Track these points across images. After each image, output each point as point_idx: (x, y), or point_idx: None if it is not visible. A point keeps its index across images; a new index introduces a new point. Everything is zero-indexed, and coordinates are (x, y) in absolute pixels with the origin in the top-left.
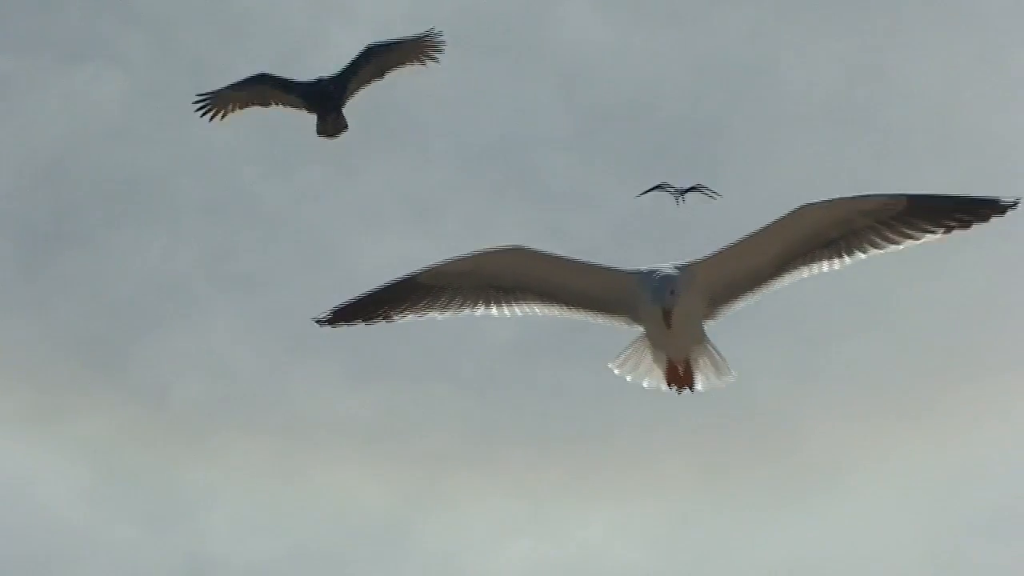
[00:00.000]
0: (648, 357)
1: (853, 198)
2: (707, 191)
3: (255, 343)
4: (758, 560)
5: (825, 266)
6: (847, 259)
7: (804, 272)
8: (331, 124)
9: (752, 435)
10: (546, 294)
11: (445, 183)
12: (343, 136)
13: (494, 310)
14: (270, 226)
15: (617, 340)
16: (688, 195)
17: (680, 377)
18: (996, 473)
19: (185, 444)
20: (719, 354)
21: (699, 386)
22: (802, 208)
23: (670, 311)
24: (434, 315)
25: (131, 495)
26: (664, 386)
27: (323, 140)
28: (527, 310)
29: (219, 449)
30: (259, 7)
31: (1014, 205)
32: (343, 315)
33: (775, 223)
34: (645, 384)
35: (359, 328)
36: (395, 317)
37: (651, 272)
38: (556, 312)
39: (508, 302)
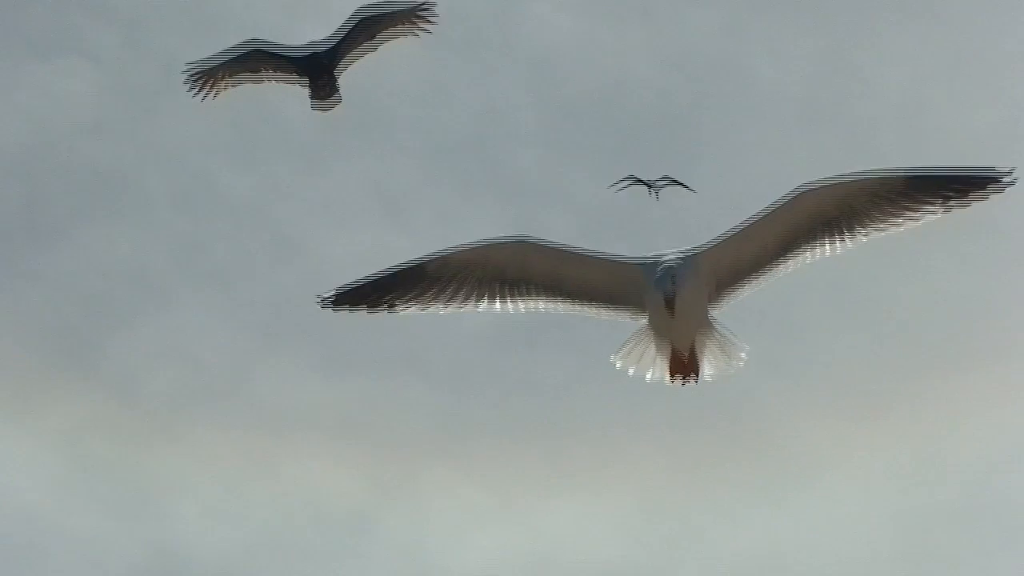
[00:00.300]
0: (651, 348)
1: (851, 177)
2: (680, 185)
3: (225, 335)
4: (730, 553)
5: (828, 249)
6: (849, 241)
7: (808, 256)
8: (324, 95)
9: (725, 428)
10: (551, 287)
11: (414, 177)
12: (336, 109)
13: (498, 305)
14: (240, 219)
15: (591, 333)
16: (662, 188)
17: (684, 366)
18: (968, 469)
19: (154, 435)
20: (727, 335)
21: (706, 374)
22: (801, 189)
23: (673, 299)
24: (437, 308)
25: (100, 486)
26: (667, 378)
27: (317, 111)
28: (531, 305)
29: (188, 440)
30: (232, 1)
31: (1013, 181)
32: (348, 298)
33: (775, 206)
34: (648, 377)
35: (360, 315)
36: (399, 307)
37: (655, 261)
38: (561, 307)
39: (513, 296)
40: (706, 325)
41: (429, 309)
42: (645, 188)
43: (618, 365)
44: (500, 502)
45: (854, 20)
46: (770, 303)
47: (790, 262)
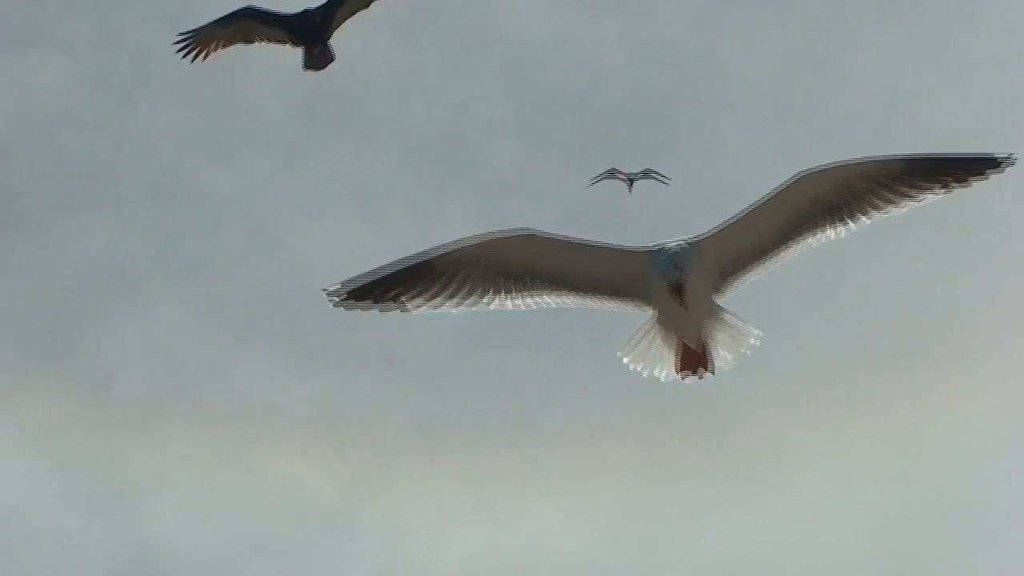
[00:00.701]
0: (659, 343)
1: (850, 162)
2: (657, 176)
3: (201, 330)
4: (705, 550)
5: (831, 233)
6: (851, 224)
7: (811, 241)
8: (318, 57)
9: (702, 427)
10: (558, 280)
11: (390, 171)
12: (329, 68)
13: (508, 302)
14: (216, 214)
15: (568, 330)
16: (639, 182)
17: (695, 359)
18: (942, 465)
19: (130, 432)
20: (735, 321)
21: (718, 364)
22: (800, 175)
23: (678, 286)
24: (449, 308)
25: (75, 482)
26: (677, 374)
27: (310, 73)
28: (540, 301)
29: (164, 437)
30: None
31: (1012, 162)
32: (356, 294)
33: (775, 192)
34: (658, 374)
35: (370, 312)
36: (410, 306)
37: (659, 249)
38: (569, 300)
39: (520, 292)
40: (713, 313)
41: (440, 308)
42: (621, 181)
43: (626, 362)
44: (477, 500)
45: (827, 12)
46: (743, 299)
47: (793, 247)
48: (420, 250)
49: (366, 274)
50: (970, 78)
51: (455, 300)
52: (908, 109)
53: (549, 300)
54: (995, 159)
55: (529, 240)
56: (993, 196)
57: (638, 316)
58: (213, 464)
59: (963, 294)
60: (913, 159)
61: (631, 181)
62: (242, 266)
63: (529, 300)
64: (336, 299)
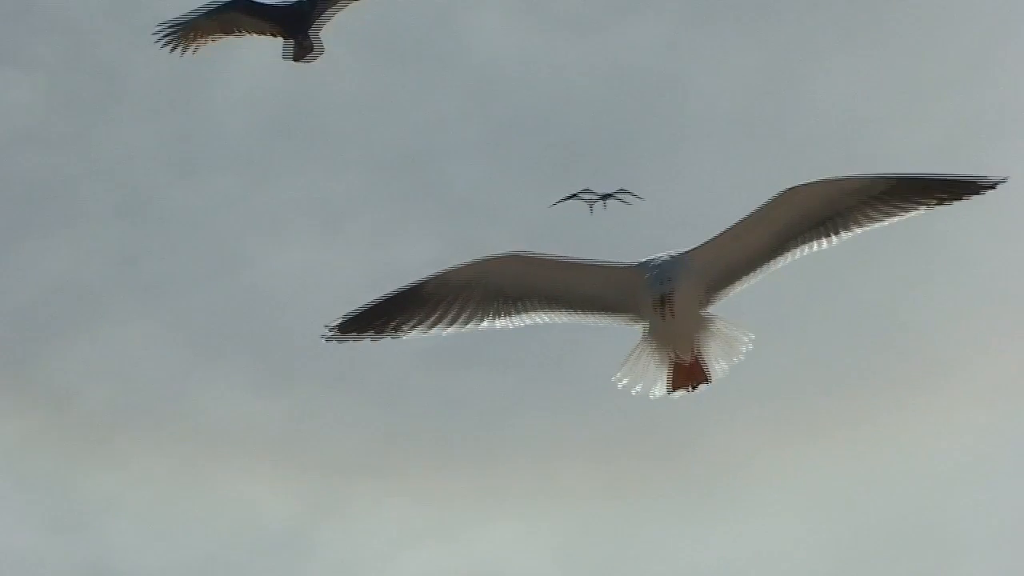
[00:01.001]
0: (652, 361)
1: (837, 178)
2: (626, 196)
3: (163, 349)
4: (662, 571)
5: (819, 244)
6: (837, 237)
7: (799, 252)
8: (303, 48)
9: (659, 446)
10: (551, 299)
11: (355, 191)
12: (315, 57)
13: (499, 322)
14: (180, 232)
15: (528, 351)
16: (607, 201)
17: (688, 374)
18: (903, 488)
19: (90, 450)
20: (727, 328)
21: (715, 374)
22: (788, 190)
23: (667, 298)
24: (440, 331)
25: (35, 501)
26: (671, 390)
27: (295, 62)
28: (533, 319)
29: (124, 456)
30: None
31: (1000, 183)
32: (353, 327)
33: (764, 206)
34: (654, 393)
35: (365, 342)
36: (403, 333)
37: (646, 262)
38: (562, 318)
39: (514, 312)
40: (703, 324)
41: (432, 331)
42: (591, 197)
43: (622, 384)
44: (435, 521)
45: (795, 36)
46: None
47: (781, 259)
48: (388, 274)
49: (364, 309)
50: (932, 103)
51: (446, 323)
52: (871, 133)
53: (541, 318)
54: (981, 184)
55: (517, 260)
56: (955, 218)
57: (624, 331)
58: (172, 484)
59: (925, 317)
60: (900, 178)
61: (603, 199)
62: (205, 285)
63: (521, 319)
64: (336, 335)
